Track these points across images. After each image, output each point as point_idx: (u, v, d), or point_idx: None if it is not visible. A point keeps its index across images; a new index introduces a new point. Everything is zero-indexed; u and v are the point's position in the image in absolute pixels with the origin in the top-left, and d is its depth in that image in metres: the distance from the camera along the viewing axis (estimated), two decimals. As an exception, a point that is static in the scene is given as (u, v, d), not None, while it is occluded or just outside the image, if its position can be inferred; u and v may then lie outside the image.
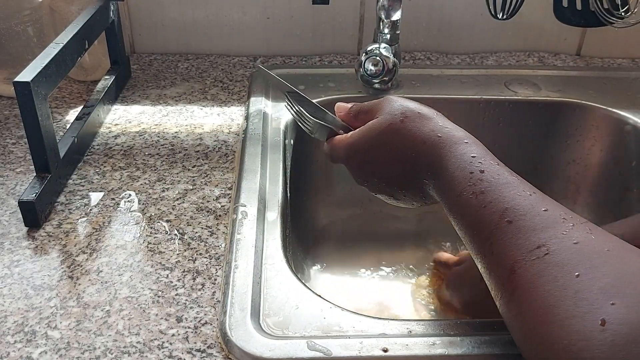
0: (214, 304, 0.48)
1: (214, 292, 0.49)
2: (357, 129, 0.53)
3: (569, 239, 0.36)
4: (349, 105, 0.57)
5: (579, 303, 0.33)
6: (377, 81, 0.76)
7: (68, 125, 0.69)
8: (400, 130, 0.49)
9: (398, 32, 0.75)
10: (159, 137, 0.70)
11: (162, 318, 0.47)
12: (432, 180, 0.47)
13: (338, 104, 0.58)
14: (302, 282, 0.49)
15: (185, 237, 0.55)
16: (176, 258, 0.53)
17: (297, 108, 0.57)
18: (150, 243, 0.54)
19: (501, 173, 0.43)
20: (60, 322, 0.46)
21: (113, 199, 0.60)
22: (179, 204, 0.59)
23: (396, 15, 0.74)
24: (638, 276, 0.33)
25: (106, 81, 0.76)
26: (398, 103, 0.51)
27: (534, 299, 0.35)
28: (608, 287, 0.32)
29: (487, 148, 0.47)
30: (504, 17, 0.74)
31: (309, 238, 0.76)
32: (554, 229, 0.37)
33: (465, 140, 0.47)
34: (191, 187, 0.62)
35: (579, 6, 0.77)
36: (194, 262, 0.52)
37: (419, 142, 0.48)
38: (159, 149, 0.68)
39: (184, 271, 0.51)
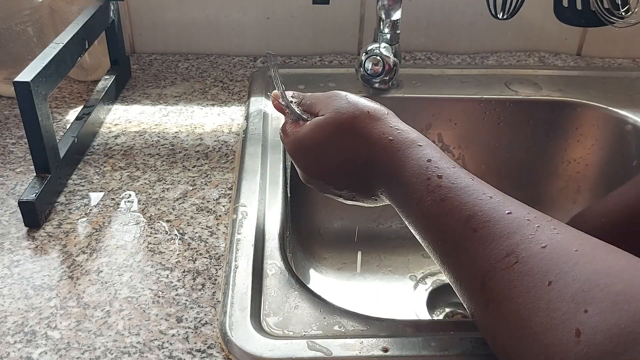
0: (214, 304, 0.48)
1: (214, 292, 0.49)
2: (306, 125, 0.49)
3: (537, 243, 0.35)
4: (291, 93, 0.52)
5: (552, 314, 0.31)
6: (378, 81, 0.76)
7: (68, 125, 0.69)
8: (348, 132, 0.46)
9: (398, 31, 0.75)
10: (159, 137, 0.70)
11: (162, 318, 0.47)
12: (386, 186, 0.45)
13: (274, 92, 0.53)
14: (302, 282, 0.49)
15: (186, 237, 0.55)
16: (176, 258, 0.53)
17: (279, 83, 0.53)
18: (150, 243, 0.54)
19: (459, 176, 0.41)
20: (60, 322, 0.46)
21: (113, 199, 0.60)
22: (179, 204, 0.59)
23: (396, 15, 0.74)
24: (607, 277, 0.31)
25: (106, 81, 0.76)
26: (345, 100, 0.47)
27: (507, 312, 0.34)
28: (579, 293, 0.31)
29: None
30: (504, 17, 0.73)
31: (309, 238, 0.76)
32: (520, 233, 0.36)
33: (419, 143, 0.44)
34: (191, 187, 0.62)
35: (579, 6, 0.77)
36: (194, 262, 0.52)
37: (369, 145, 0.45)
38: (159, 149, 0.68)
39: (184, 271, 0.51)
